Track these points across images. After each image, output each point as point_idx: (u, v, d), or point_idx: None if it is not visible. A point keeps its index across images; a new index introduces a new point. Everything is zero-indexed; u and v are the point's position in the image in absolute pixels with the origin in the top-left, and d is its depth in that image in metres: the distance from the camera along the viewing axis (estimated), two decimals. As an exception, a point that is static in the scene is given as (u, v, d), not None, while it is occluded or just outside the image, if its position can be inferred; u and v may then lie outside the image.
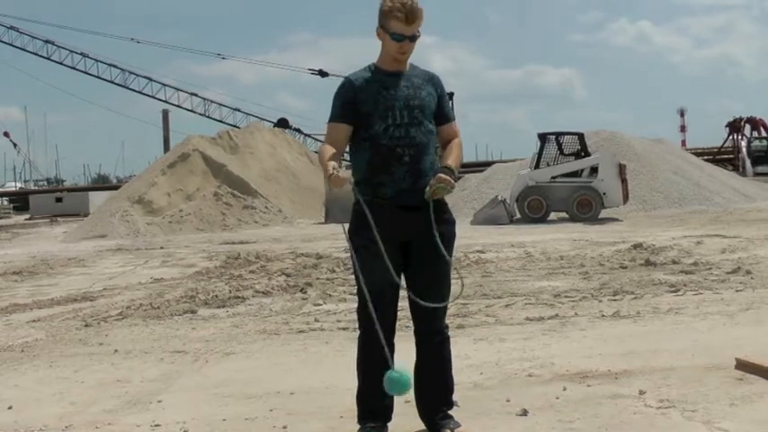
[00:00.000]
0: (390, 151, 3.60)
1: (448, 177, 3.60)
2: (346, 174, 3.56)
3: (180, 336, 6.64)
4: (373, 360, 3.68)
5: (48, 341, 6.64)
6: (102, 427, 4.22)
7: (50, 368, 5.64)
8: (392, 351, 3.73)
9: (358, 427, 3.74)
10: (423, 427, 3.83)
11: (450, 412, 3.81)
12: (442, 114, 3.79)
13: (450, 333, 3.88)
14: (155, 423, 4.20)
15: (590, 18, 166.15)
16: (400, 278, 3.68)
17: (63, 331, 7.05)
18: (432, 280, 3.69)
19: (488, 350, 5.60)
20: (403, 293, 3.73)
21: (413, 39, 3.63)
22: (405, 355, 3.83)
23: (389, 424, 3.77)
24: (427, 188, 3.60)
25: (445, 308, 3.81)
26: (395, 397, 3.76)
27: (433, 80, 3.78)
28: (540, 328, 6.32)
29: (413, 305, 3.74)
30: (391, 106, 3.63)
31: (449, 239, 3.72)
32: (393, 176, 3.60)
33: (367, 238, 3.61)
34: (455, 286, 3.84)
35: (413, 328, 3.81)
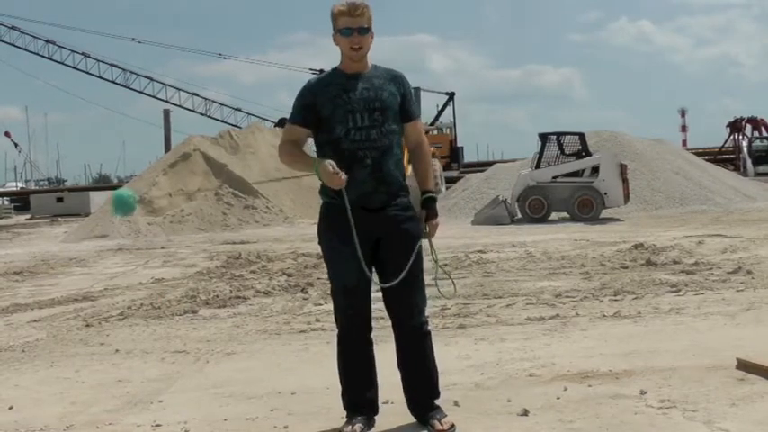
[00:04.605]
0: (352, 155, 3.66)
1: (437, 221, 3.85)
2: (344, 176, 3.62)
3: (181, 336, 6.64)
4: (352, 356, 3.83)
5: (48, 341, 6.64)
6: (103, 426, 4.22)
7: (51, 368, 5.64)
8: (370, 346, 3.84)
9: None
10: (413, 421, 3.89)
11: (436, 402, 3.90)
12: (407, 112, 3.83)
13: (431, 328, 3.94)
14: (155, 423, 4.20)
15: (590, 18, 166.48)
16: (372, 274, 3.77)
17: (64, 331, 7.05)
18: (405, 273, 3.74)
19: (489, 350, 5.60)
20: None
21: (361, 31, 3.67)
22: (388, 355, 3.86)
23: (378, 417, 3.87)
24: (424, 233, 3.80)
25: (423, 302, 3.87)
26: (378, 392, 3.88)
27: (395, 79, 3.81)
28: (541, 328, 6.32)
29: (387, 301, 3.81)
30: (351, 110, 3.68)
31: (414, 236, 3.79)
32: (356, 180, 3.64)
33: (335, 239, 3.73)
34: (450, 288, 3.88)
35: (390, 325, 3.88)
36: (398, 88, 3.79)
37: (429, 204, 3.83)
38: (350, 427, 3.78)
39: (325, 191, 3.77)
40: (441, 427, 3.76)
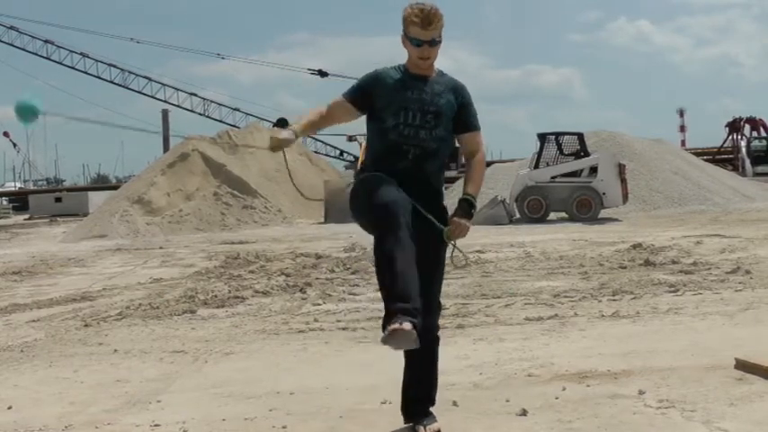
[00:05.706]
0: (396, 146, 3.68)
1: (466, 224, 3.66)
2: (286, 135, 3.68)
3: (179, 336, 6.64)
4: (397, 244, 3.41)
5: (47, 341, 6.63)
6: (102, 427, 4.22)
7: (50, 368, 5.64)
8: (413, 239, 3.46)
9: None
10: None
11: (430, 409, 3.85)
12: (464, 123, 3.82)
13: (440, 333, 3.89)
14: (154, 423, 4.20)
15: (589, 17, 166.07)
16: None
17: (62, 331, 7.04)
18: (428, 268, 3.67)
19: (488, 350, 5.60)
20: None
21: (432, 44, 3.69)
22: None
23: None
24: (446, 230, 3.65)
25: (439, 305, 3.85)
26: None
27: (456, 89, 3.82)
28: (540, 328, 6.32)
29: None
30: (405, 107, 3.70)
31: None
32: (395, 170, 3.65)
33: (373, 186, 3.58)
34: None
35: None
36: (457, 98, 3.79)
37: (461, 204, 3.71)
38: (397, 323, 3.28)
39: (368, 169, 3.76)
40: None
